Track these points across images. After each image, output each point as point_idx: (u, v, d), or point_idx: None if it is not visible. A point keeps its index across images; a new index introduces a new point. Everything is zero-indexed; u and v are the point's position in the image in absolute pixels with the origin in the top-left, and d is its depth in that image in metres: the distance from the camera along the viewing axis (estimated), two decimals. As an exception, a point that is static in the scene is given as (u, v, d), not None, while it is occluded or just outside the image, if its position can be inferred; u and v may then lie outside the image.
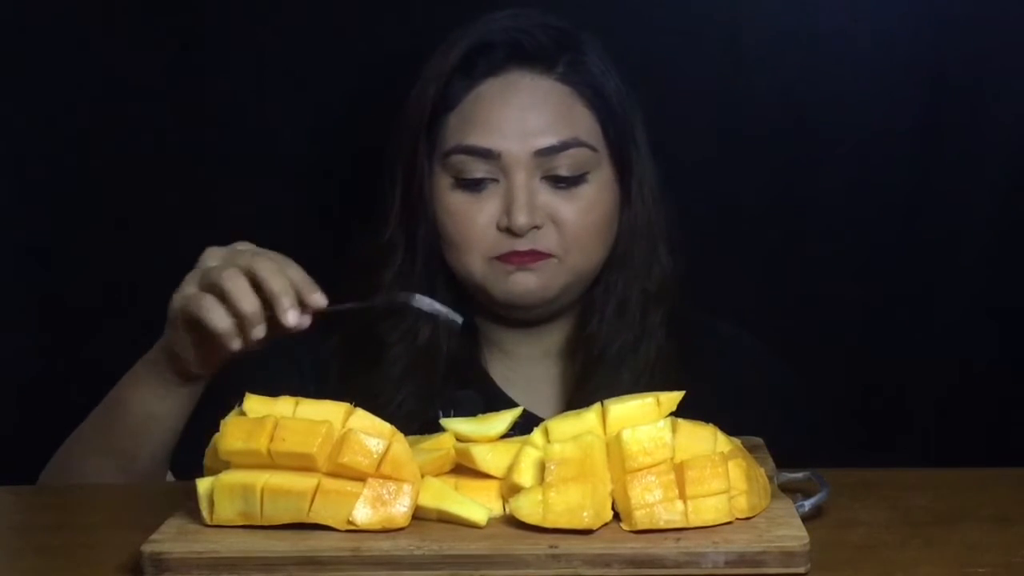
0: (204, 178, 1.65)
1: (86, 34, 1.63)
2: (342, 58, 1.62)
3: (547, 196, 1.28)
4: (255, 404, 0.93)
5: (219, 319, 1.09)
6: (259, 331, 1.09)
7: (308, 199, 1.67)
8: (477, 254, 1.29)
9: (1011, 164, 1.62)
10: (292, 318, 1.07)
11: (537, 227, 1.27)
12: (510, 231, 1.27)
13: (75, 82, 1.63)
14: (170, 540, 0.89)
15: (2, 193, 1.66)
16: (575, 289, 1.32)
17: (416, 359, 1.31)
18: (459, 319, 1.13)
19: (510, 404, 1.32)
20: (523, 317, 1.33)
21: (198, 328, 1.11)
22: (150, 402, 1.19)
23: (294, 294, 1.08)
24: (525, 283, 1.28)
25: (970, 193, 1.63)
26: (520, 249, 1.27)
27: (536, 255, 1.27)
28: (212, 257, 1.13)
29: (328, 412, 0.92)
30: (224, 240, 1.16)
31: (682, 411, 0.94)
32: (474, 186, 1.29)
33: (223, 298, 1.08)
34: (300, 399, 0.93)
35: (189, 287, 1.12)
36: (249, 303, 1.08)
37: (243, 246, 1.14)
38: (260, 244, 1.15)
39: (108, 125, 1.64)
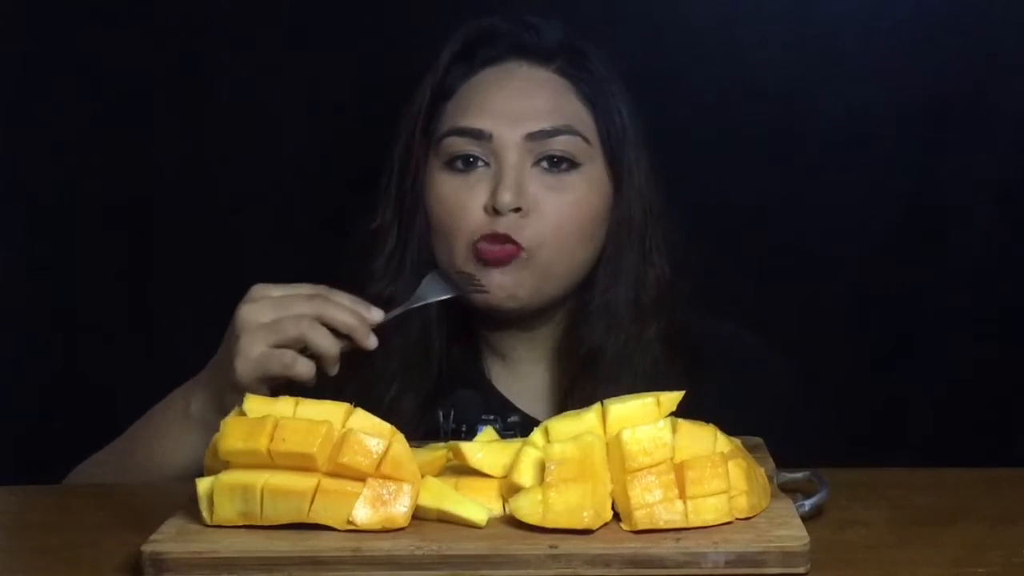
0: (208, 179, 1.65)
1: (86, 33, 1.63)
2: (350, 60, 1.63)
3: (536, 184, 1.27)
4: (255, 404, 0.93)
5: (306, 370, 1.14)
6: (336, 368, 1.16)
7: (313, 198, 1.67)
8: (462, 241, 1.27)
9: (1011, 164, 1.62)
10: (373, 342, 1.15)
11: (520, 210, 1.25)
12: (495, 211, 1.25)
13: (75, 82, 1.64)
14: (170, 540, 0.88)
15: (3, 195, 1.66)
16: (554, 289, 1.30)
17: (413, 353, 1.31)
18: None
19: (507, 406, 1.32)
20: (509, 318, 1.32)
21: (275, 382, 1.15)
22: (187, 453, 1.20)
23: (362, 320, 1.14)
24: (498, 282, 1.26)
25: (970, 193, 1.63)
26: (498, 231, 1.25)
27: (509, 244, 1.25)
28: (256, 312, 1.14)
29: (328, 412, 0.92)
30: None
31: (683, 413, 0.94)
32: (464, 169, 1.28)
33: (301, 349, 1.13)
34: (300, 399, 0.93)
35: (255, 348, 1.13)
36: (332, 345, 1.14)
37: (275, 291, 1.15)
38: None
39: (109, 126, 1.64)
